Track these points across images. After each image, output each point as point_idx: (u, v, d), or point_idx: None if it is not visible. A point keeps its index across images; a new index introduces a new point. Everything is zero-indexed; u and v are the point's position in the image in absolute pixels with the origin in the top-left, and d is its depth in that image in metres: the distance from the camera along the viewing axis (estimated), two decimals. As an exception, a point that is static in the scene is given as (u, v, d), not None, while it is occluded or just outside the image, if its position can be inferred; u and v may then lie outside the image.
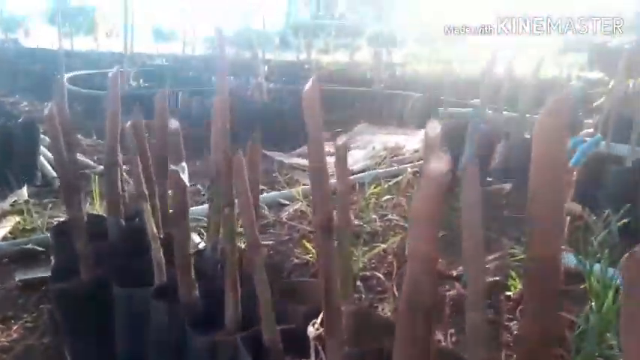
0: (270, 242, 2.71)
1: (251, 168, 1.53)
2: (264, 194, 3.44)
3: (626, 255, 0.64)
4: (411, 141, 4.56)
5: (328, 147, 4.44)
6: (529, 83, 3.95)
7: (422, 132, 4.59)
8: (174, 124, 1.33)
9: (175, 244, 1.36)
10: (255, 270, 1.17)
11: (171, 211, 1.71)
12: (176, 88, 6.95)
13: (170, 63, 13.33)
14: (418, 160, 4.24)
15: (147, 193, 1.65)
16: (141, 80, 7.80)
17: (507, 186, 3.46)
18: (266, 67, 9.55)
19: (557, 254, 0.80)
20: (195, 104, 6.09)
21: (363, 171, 3.85)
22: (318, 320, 1.15)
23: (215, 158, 1.34)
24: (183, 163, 1.33)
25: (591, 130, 4.01)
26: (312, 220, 1.16)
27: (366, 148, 4.63)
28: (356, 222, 2.95)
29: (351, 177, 3.77)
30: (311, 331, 1.15)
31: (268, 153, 4.40)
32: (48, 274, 2.11)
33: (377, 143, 4.62)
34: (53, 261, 1.94)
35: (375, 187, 3.27)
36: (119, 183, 1.84)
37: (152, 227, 1.60)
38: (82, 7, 20.97)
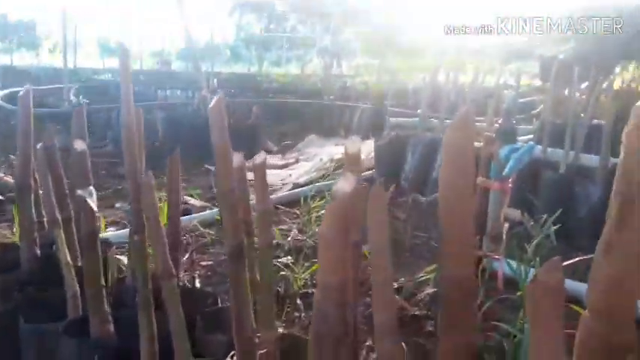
0: (209, 263, 2.60)
1: (171, 187, 1.45)
2: (206, 212, 3.34)
3: (530, 279, 0.60)
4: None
5: (277, 159, 4.34)
6: (470, 92, 4.03)
7: (368, 142, 4.61)
8: (79, 145, 1.23)
9: (85, 273, 1.25)
10: (168, 301, 1.09)
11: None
12: (119, 104, 6.73)
13: (116, 78, 12.96)
14: (367, 170, 4.24)
15: (60, 218, 1.54)
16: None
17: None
18: (215, 80, 9.42)
19: (469, 272, 0.77)
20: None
21: (309, 183, 3.81)
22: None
23: (129, 182, 1.25)
24: (91, 187, 1.23)
25: (530, 136, 4.12)
26: (225, 247, 1.08)
27: (313, 160, 4.60)
28: (299, 237, 2.89)
29: (296, 190, 3.73)
30: (228, 363, 1.08)
31: (211, 168, 4.30)
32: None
33: (324, 155, 4.59)
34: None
35: (319, 200, 3.23)
36: (32, 208, 1.70)
37: (65, 256, 1.49)
38: (21, 22, 20.11)
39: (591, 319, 0.61)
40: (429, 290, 2.19)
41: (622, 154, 0.60)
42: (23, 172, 1.69)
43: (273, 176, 3.99)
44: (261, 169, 1.19)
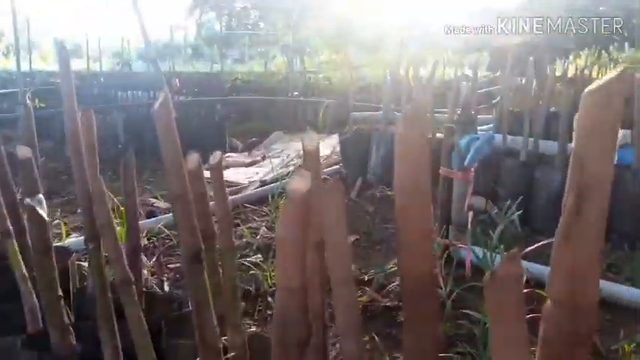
0: (177, 265, 2.56)
1: (126, 190, 1.41)
2: (171, 214, 3.27)
3: (487, 274, 0.60)
4: (323, 146, 4.56)
5: (243, 157, 4.29)
6: (430, 84, 4.08)
7: (333, 137, 4.61)
8: (24, 151, 1.17)
9: (38, 284, 1.20)
10: (127, 309, 1.05)
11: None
12: (78, 106, 6.53)
13: (74, 80, 12.51)
14: (333, 165, 4.25)
15: (13, 230, 1.47)
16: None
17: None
18: (177, 80, 9.24)
19: (428, 267, 0.76)
20: (98, 123, 5.72)
21: (276, 181, 3.78)
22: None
23: (77, 189, 1.20)
24: (40, 195, 1.18)
25: (490, 125, 4.20)
26: (180, 252, 1.06)
27: (280, 157, 4.57)
28: (268, 234, 2.87)
29: (263, 188, 3.69)
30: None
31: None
32: None
33: (291, 151, 4.56)
34: None
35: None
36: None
37: (20, 267, 1.43)
38: (-31, 24, 19.21)
39: (553, 307, 0.62)
40: (399, 281, 2.21)
41: (574, 141, 0.60)
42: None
43: (239, 174, 3.95)
44: (218, 170, 1.16)
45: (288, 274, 0.71)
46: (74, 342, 1.25)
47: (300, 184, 0.69)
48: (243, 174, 4.00)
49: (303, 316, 0.73)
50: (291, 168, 4.02)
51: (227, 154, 4.79)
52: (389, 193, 3.51)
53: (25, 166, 1.16)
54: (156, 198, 3.61)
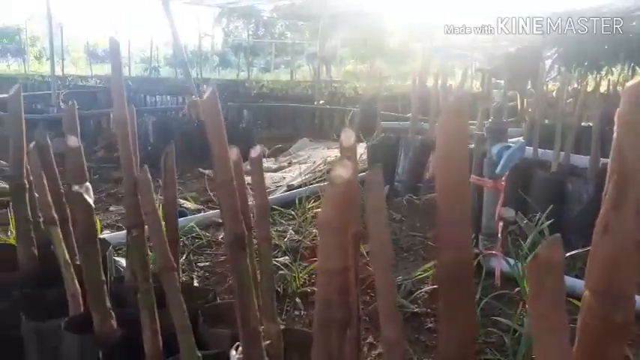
0: (206, 264, 2.60)
1: (166, 182, 1.45)
2: (202, 213, 3.33)
3: (530, 257, 0.61)
4: (350, 154, 4.58)
5: (270, 163, 4.35)
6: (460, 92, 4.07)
7: (361, 145, 4.63)
8: (73, 141, 1.23)
9: (84, 270, 1.25)
10: (169, 295, 1.09)
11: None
12: (109, 109, 6.72)
13: (104, 84, 12.89)
14: (361, 172, 4.25)
15: (57, 217, 1.53)
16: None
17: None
18: (205, 86, 9.40)
19: (467, 254, 0.77)
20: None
21: (303, 185, 3.81)
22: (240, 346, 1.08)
23: (124, 177, 1.24)
24: (87, 183, 1.23)
25: (521, 137, 4.17)
26: (225, 238, 1.09)
27: (306, 162, 4.60)
28: (295, 237, 2.89)
29: (291, 191, 3.73)
30: (234, 354, 1.08)
31: (205, 171, 4.29)
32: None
33: (317, 158, 4.60)
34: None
35: (314, 202, 3.24)
36: (27, 209, 1.69)
37: (64, 254, 1.48)
38: (6, 29, 19.93)
39: (591, 297, 0.63)
40: (427, 288, 2.21)
41: (615, 134, 0.61)
42: (17, 172, 1.68)
43: (267, 179, 3.99)
44: (258, 162, 1.20)
45: (330, 257, 0.73)
46: (115, 326, 1.29)
47: (342, 170, 0.71)
48: (270, 179, 4.05)
49: (344, 297, 0.75)
50: (318, 174, 4.05)
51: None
52: (416, 201, 3.50)
53: (73, 154, 1.22)
54: (185, 199, 3.68)
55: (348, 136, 1.12)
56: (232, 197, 0.93)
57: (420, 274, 2.33)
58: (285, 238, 2.84)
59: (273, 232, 2.91)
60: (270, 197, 3.51)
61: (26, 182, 1.68)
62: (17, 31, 19.83)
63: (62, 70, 12.11)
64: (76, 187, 1.24)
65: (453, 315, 0.73)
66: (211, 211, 3.37)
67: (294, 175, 4.04)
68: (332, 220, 0.70)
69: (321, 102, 7.98)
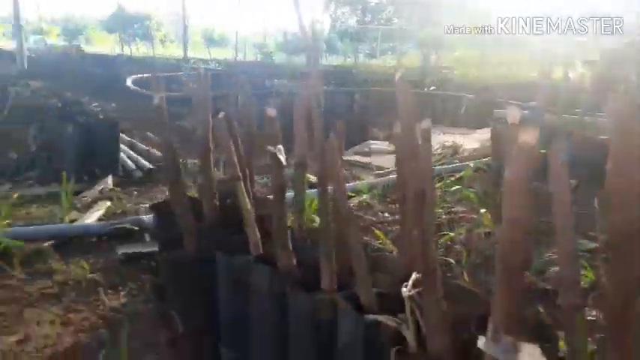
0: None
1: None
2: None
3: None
4: (468, 140, 4.64)
5: (385, 146, 4.55)
6: (586, 86, 3.97)
7: (478, 132, 4.66)
8: (271, 111, 1.51)
9: (274, 217, 1.54)
10: (351, 238, 1.33)
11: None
12: (232, 91, 7.29)
13: (223, 67, 13.80)
14: (482, 158, 4.30)
15: (240, 175, 1.85)
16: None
17: (572, 182, 3.51)
18: (316, 72, 9.78)
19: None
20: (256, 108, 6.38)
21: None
22: (410, 283, 1.30)
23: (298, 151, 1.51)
24: (280, 146, 1.51)
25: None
26: (408, 194, 1.30)
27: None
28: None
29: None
30: (405, 291, 1.30)
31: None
32: (145, 249, 2.36)
33: (435, 143, 4.71)
34: (158, 236, 2.17)
35: (438, 182, 3.39)
36: (212, 168, 2.04)
37: (247, 204, 1.80)
38: (136, 15, 21.91)
39: None
40: (556, 268, 2.29)
41: None
42: (205, 140, 2.04)
43: (387, 161, 4.20)
44: (427, 133, 1.40)
45: (514, 207, 0.92)
46: (295, 264, 1.57)
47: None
48: (390, 161, 4.24)
49: (524, 242, 0.93)
50: (437, 157, 4.17)
51: (371, 142, 5.07)
52: (543, 188, 3.51)
53: (270, 122, 1.49)
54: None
55: (514, 113, 1.30)
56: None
57: (549, 256, 2.40)
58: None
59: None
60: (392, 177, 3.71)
61: (211, 146, 2.03)
62: (147, 17, 21.75)
63: (185, 53, 13.12)
64: (271, 148, 1.52)
65: (621, 270, 0.89)
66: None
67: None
68: (518, 177, 0.89)
69: (431, 88, 7.99)
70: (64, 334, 1.85)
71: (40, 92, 5.96)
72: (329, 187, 1.45)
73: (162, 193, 3.38)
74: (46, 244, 2.39)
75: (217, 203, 2.05)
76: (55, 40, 22.99)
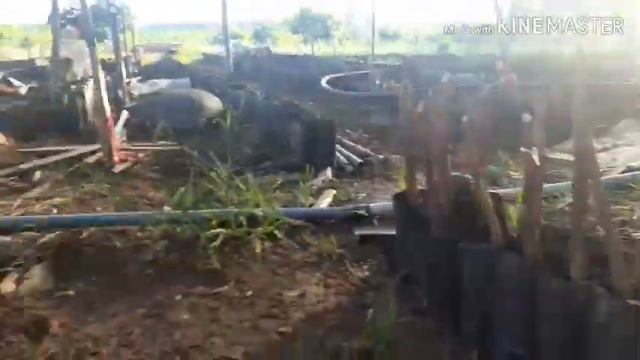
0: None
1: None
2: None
3: None
4: None
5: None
6: None
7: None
8: (526, 117, 1.72)
9: (528, 210, 1.76)
10: (608, 232, 1.49)
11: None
12: (417, 87, 7.52)
13: (400, 63, 14.10)
14: None
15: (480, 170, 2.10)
16: (392, 80, 8.59)
17: None
18: (501, 63, 9.45)
19: None
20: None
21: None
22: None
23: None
24: (535, 147, 1.72)
25: None
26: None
27: (633, 145, 4.43)
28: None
29: (624, 175, 3.72)
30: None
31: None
32: (377, 231, 2.79)
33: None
34: (399, 221, 2.54)
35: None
36: (449, 166, 2.32)
37: (487, 197, 2.04)
38: (318, 16, 23.49)
39: None
40: None
41: None
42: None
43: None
44: None
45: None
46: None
47: None
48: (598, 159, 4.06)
49: None
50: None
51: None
52: None
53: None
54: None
55: None
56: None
57: None
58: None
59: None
60: (609, 177, 3.59)
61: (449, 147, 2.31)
62: (327, 18, 23.19)
63: (372, 50, 13.69)
64: (526, 150, 1.75)
65: None
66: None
67: (629, 155, 3.98)
68: None
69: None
70: (328, 294, 2.32)
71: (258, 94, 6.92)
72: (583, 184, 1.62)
73: (377, 184, 3.83)
74: (296, 222, 2.95)
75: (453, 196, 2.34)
76: (248, 43, 25.86)
